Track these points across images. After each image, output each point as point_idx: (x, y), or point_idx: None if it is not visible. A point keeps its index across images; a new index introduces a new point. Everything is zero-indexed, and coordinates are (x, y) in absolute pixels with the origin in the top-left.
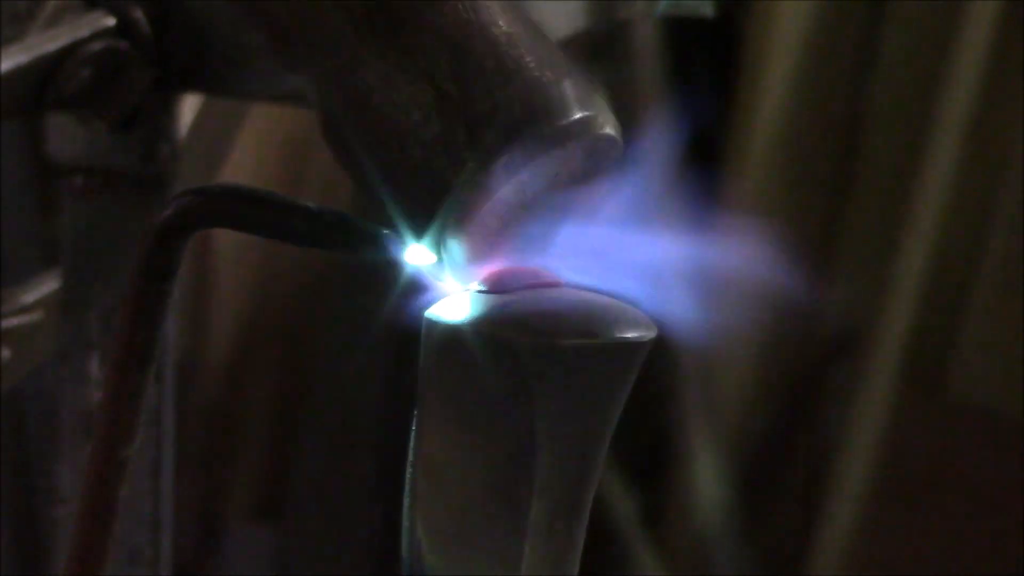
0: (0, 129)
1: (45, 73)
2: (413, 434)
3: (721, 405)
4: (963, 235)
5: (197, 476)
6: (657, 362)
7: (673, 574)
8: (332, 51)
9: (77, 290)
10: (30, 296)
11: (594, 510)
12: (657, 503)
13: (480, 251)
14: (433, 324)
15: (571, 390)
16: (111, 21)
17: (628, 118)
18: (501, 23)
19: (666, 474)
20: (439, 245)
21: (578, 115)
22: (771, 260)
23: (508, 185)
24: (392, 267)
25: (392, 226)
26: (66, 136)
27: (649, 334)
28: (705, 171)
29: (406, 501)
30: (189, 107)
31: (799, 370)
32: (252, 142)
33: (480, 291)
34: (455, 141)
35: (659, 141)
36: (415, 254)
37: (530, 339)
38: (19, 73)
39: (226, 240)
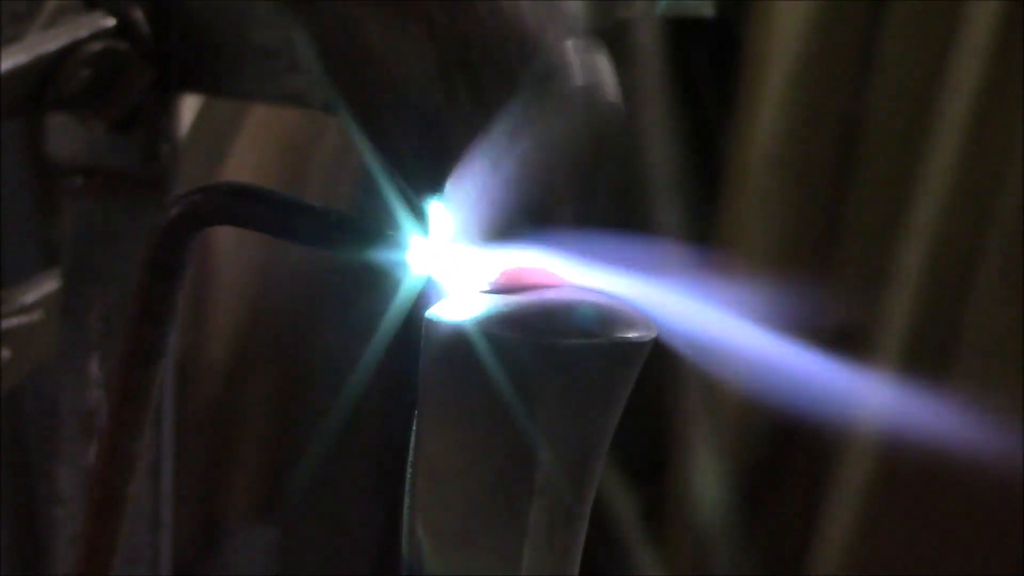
0: (0, 129)
1: (45, 73)
2: (413, 434)
3: (721, 404)
4: (963, 235)
5: (197, 476)
6: (657, 362)
7: (673, 574)
8: None
9: (77, 290)
10: (30, 296)
11: (594, 510)
12: (657, 503)
13: (474, 198)
14: (434, 324)
15: (571, 390)
16: (111, 21)
17: (628, 118)
18: None
19: (666, 474)
20: (433, 186)
21: (574, 59)
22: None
23: (504, 127)
24: (396, 267)
25: (396, 226)
26: (66, 136)
27: (649, 334)
28: (705, 171)
29: (406, 501)
30: (189, 107)
31: None
32: (252, 142)
33: (481, 291)
34: (451, 83)
35: (659, 141)
36: (419, 254)
37: (530, 339)
38: (19, 73)
39: (226, 240)
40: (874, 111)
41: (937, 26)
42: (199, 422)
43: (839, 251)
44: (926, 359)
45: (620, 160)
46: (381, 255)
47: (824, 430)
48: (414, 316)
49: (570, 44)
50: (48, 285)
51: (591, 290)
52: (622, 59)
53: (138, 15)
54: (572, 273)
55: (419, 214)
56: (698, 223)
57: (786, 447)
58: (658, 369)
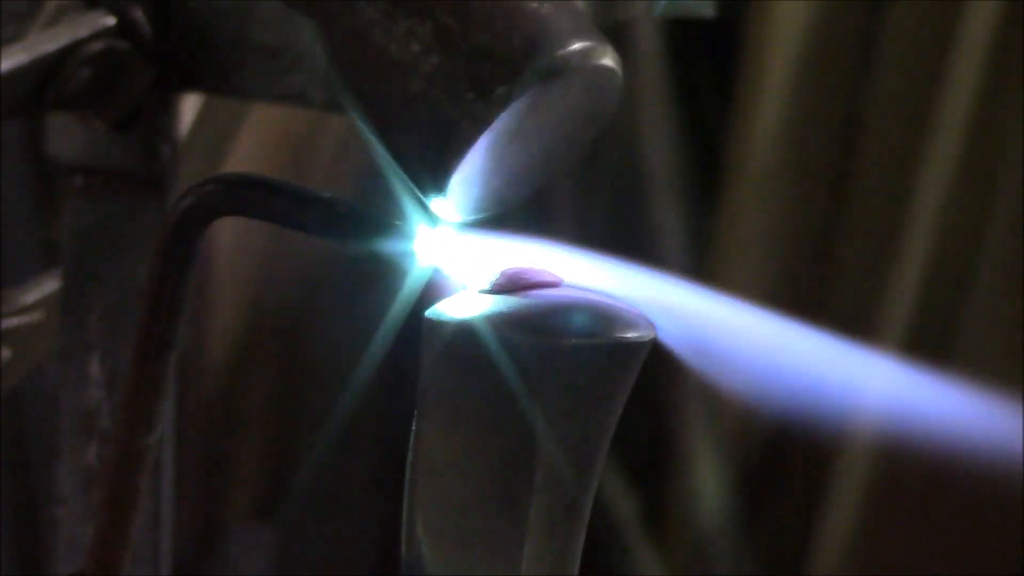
0: (0, 129)
1: (45, 73)
2: (413, 434)
3: (721, 405)
4: (963, 235)
5: (197, 476)
6: (657, 362)
7: (673, 574)
8: None
9: (77, 290)
10: (30, 296)
11: (594, 510)
12: (657, 503)
13: (477, 184)
14: (434, 324)
15: (571, 390)
16: (111, 21)
17: (628, 118)
18: None
19: (666, 474)
20: (438, 179)
21: (576, 46)
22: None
23: (507, 117)
24: (404, 258)
25: (404, 217)
26: (66, 136)
27: (649, 334)
28: (705, 171)
29: (406, 501)
30: (189, 107)
31: None
32: (252, 142)
33: (481, 291)
34: (454, 73)
35: (659, 141)
36: (426, 245)
37: (530, 339)
38: (19, 73)
39: (226, 240)
40: (874, 111)
41: (937, 26)
42: (199, 422)
43: (839, 251)
44: (926, 358)
45: (620, 160)
46: (389, 246)
47: (823, 431)
48: (418, 312)
49: (578, 40)
50: (48, 285)
51: (591, 290)
52: (622, 59)
53: (138, 15)
54: (572, 273)
55: (425, 207)
56: (698, 223)
57: (786, 448)
58: (658, 369)
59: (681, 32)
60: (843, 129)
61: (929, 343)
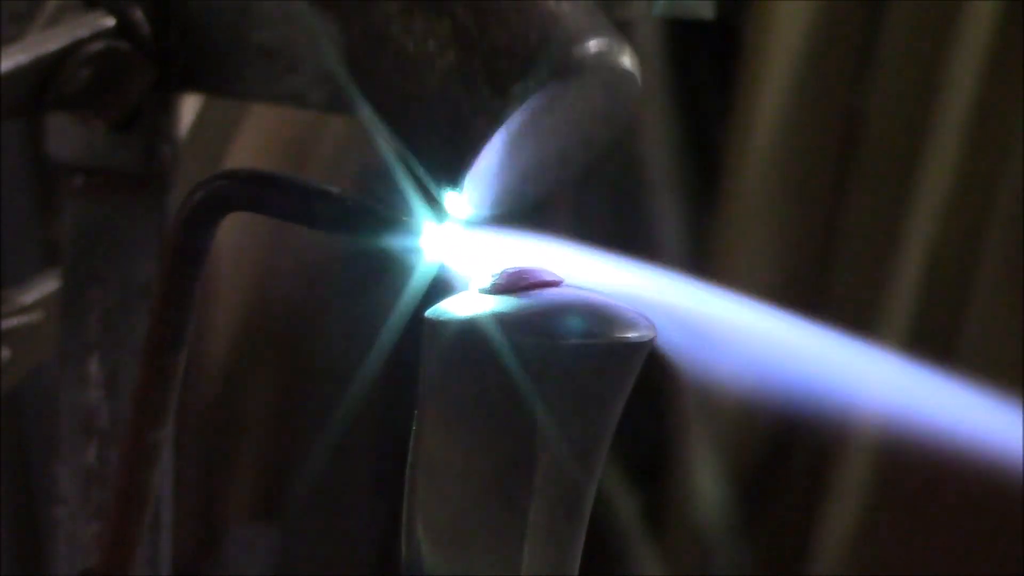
0: (0, 129)
1: (45, 73)
2: (413, 434)
3: (721, 404)
4: (962, 235)
5: (197, 476)
6: (657, 362)
7: (673, 574)
8: None
9: (77, 290)
10: (30, 296)
11: (594, 510)
12: (657, 504)
13: (492, 181)
14: (434, 324)
15: (571, 390)
16: (111, 21)
17: (628, 119)
18: None
19: (666, 474)
20: (452, 175)
21: (593, 45)
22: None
23: (523, 115)
24: (411, 253)
25: (413, 212)
26: (66, 136)
27: (649, 334)
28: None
29: (406, 501)
30: (189, 107)
31: None
32: (252, 142)
33: (482, 291)
34: (471, 70)
35: (659, 141)
36: (433, 241)
37: (530, 339)
38: (19, 73)
39: (226, 240)
40: (874, 111)
41: (937, 26)
42: (199, 422)
43: (839, 251)
44: (926, 358)
45: (620, 160)
46: (397, 242)
47: (823, 430)
48: (422, 310)
49: (594, 38)
50: (48, 285)
51: (591, 290)
52: None
53: (138, 15)
54: (572, 273)
55: (434, 204)
56: (697, 223)
57: (786, 447)
58: (658, 369)
59: (681, 32)
60: (843, 129)
61: (930, 344)
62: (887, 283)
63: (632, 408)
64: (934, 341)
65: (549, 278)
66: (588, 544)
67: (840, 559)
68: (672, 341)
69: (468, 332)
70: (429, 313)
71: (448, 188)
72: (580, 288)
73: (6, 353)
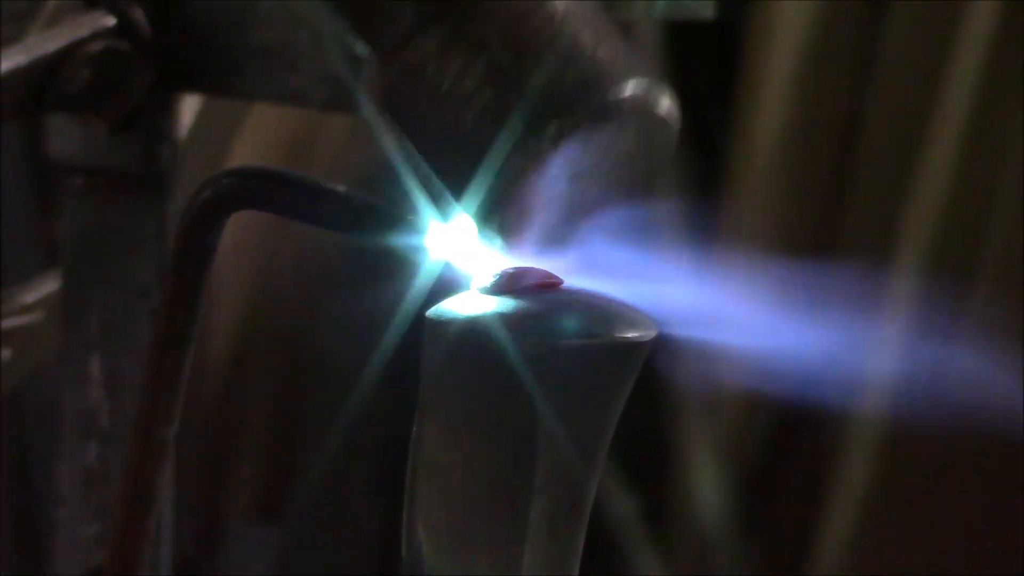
0: (0, 129)
1: (45, 73)
2: (414, 434)
3: (721, 404)
4: (961, 235)
5: (197, 476)
6: (657, 362)
7: (673, 574)
8: (391, 21)
9: (77, 290)
10: (30, 296)
11: (594, 510)
12: (657, 503)
13: (527, 222)
14: (435, 324)
15: (571, 390)
16: (111, 21)
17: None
18: None
19: (666, 474)
20: (486, 215)
21: (631, 89)
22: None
23: (559, 156)
24: (416, 253)
25: (418, 211)
26: (66, 136)
27: (649, 334)
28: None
29: (406, 501)
30: (189, 107)
31: None
32: (252, 142)
33: (482, 291)
34: (507, 110)
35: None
36: (440, 241)
37: (531, 339)
38: (19, 73)
39: (226, 240)
40: (874, 111)
41: (937, 26)
42: (199, 422)
43: (839, 251)
44: (927, 358)
45: None
46: (402, 240)
47: (824, 429)
48: (425, 310)
49: (633, 82)
50: (48, 285)
51: (591, 290)
52: None
53: (138, 15)
54: (572, 273)
55: (440, 205)
56: (698, 223)
57: (786, 447)
58: (658, 369)
59: (681, 33)
60: (843, 128)
61: (929, 344)
62: (888, 282)
63: (632, 408)
64: (934, 341)
65: (549, 278)
66: (588, 544)
67: (840, 559)
68: (675, 337)
69: (469, 332)
70: (430, 313)
71: (483, 226)
72: (580, 288)
73: (6, 353)
